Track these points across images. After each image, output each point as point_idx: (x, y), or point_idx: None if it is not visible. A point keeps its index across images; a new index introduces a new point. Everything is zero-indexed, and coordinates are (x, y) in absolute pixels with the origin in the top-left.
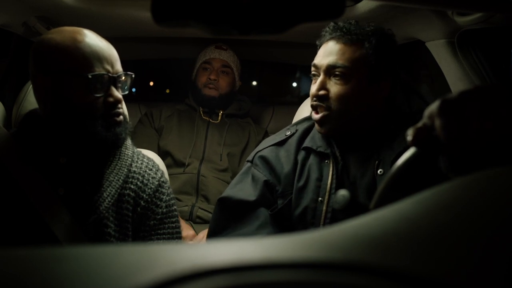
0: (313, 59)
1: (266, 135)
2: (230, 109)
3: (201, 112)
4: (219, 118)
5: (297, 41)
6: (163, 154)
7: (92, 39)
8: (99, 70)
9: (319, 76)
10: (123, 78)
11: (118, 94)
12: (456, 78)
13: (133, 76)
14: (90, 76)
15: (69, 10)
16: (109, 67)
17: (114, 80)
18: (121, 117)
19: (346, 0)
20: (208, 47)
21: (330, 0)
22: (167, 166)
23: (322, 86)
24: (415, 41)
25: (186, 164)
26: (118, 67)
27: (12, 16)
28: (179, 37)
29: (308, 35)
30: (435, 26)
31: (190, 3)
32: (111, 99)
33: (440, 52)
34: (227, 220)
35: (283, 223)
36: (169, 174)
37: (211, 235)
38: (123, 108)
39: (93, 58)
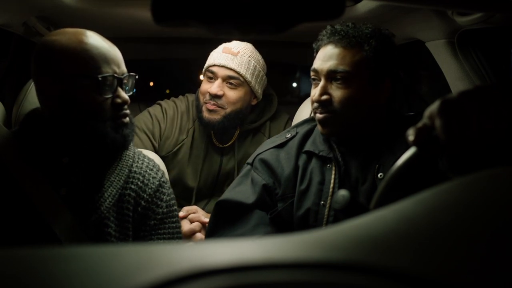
0: (313, 59)
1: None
2: (244, 125)
3: (213, 136)
4: (232, 140)
5: (297, 41)
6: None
7: (97, 40)
8: (107, 71)
9: (319, 80)
10: (128, 79)
11: (125, 95)
12: (456, 78)
13: (137, 77)
14: (100, 78)
15: (69, 10)
16: (115, 68)
17: (120, 81)
18: (128, 118)
19: (346, 0)
20: (218, 48)
21: (330, 0)
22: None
23: (324, 91)
24: (415, 41)
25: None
26: (123, 68)
27: (12, 16)
28: (179, 37)
29: (308, 35)
30: (435, 26)
31: (190, 3)
32: (118, 100)
33: (440, 52)
34: (224, 222)
35: (282, 226)
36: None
37: (208, 236)
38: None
39: (100, 59)
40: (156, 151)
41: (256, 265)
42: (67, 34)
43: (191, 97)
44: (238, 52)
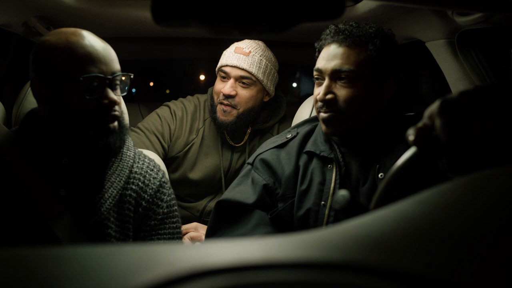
0: (313, 59)
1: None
2: (255, 124)
3: (227, 135)
4: (244, 140)
5: (297, 41)
6: (177, 181)
7: (87, 39)
8: (91, 71)
9: (323, 80)
10: (121, 78)
11: (113, 95)
12: (456, 78)
13: (132, 76)
14: (81, 78)
15: (69, 10)
16: (103, 67)
17: (109, 81)
18: (116, 123)
19: (346, 0)
20: (230, 47)
21: (330, 0)
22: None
23: (329, 90)
24: (415, 41)
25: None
26: (115, 67)
27: (12, 16)
28: (179, 37)
29: (308, 35)
30: (435, 26)
31: (190, 3)
32: (105, 101)
33: (440, 52)
34: (224, 222)
35: (282, 226)
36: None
37: (208, 236)
38: (121, 109)
39: (85, 59)
40: (166, 152)
41: (256, 265)
42: (58, 34)
43: (202, 97)
44: (250, 52)
